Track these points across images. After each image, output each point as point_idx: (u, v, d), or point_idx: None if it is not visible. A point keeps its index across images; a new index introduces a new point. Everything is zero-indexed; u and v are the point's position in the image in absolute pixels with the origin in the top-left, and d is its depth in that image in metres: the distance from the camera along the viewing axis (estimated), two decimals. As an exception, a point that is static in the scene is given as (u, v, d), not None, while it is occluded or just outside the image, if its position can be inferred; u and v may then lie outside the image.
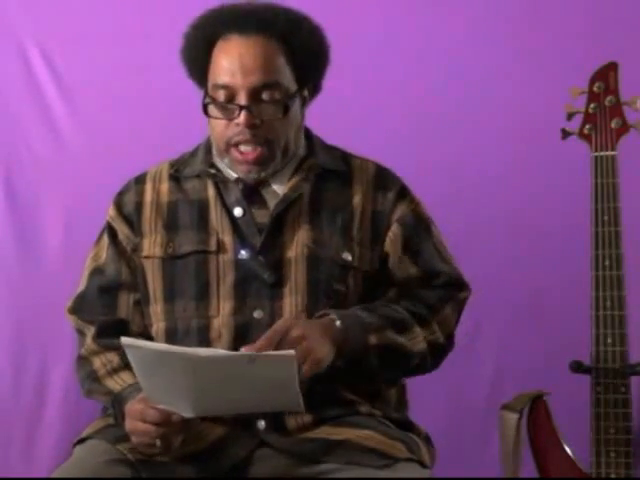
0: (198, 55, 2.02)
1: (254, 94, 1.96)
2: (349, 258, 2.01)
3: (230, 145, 1.99)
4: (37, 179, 2.91)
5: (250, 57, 1.96)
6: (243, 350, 1.78)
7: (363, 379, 1.98)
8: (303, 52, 2.01)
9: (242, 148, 1.99)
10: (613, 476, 2.15)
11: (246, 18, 1.99)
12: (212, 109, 1.99)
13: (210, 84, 2.00)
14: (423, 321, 2.00)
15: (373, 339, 1.93)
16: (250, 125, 1.96)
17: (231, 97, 1.97)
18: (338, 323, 1.90)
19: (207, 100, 1.99)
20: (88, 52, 2.90)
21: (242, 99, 1.96)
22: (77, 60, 2.91)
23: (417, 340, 1.99)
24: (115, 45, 2.90)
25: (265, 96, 1.97)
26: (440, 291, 2.05)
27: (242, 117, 1.96)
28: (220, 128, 1.99)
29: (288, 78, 1.99)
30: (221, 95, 1.98)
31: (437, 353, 2.04)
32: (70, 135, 2.92)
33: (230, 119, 1.97)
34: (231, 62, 1.96)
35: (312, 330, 1.85)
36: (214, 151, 2.07)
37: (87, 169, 2.89)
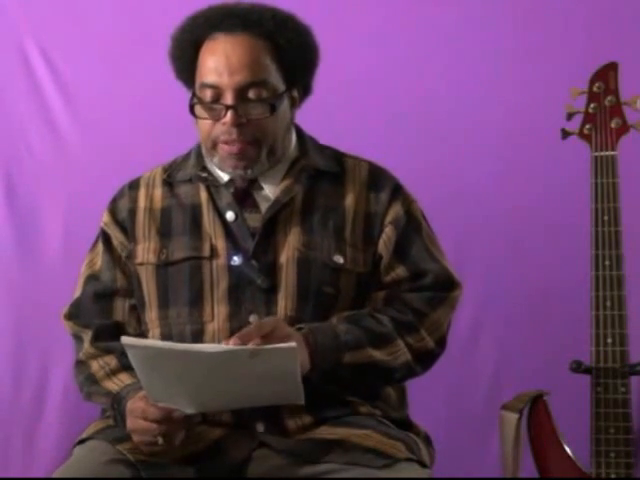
0: (185, 56, 2.02)
1: (240, 93, 1.96)
2: (341, 261, 2.01)
3: (216, 143, 1.99)
4: (37, 179, 2.91)
5: (236, 56, 1.96)
6: (231, 342, 1.77)
7: (340, 391, 1.97)
8: (290, 51, 2.00)
9: (229, 144, 1.98)
10: (613, 476, 2.15)
11: (232, 17, 1.99)
12: (199, 109, 1.99)
13: (197, 84, 2.00)
14: (410, 329, 1.99)
15: (347, 357, 1.92)
16: (236, 124, 1.96)
17: (218, 97, 1.97)
18: (310, 338, 1.90)
19: (194, 101, 1.99)
20: (88, 52, 2.90)
21: (228, 99, 1.96)
22: (77, 60, 2.91)
23: (399, 354, 1.97)
24: (115, 45, 2.90)
25: (252, 95, 1.96)
26: (429, 293, 2.03)
27: (228, 117, 1.96)
28: (207, 128, 1.99)
29: (275, 77, 1.99)
30: (208, 95, 1.98)
31: (426, 359, 2.03)
32: (70, 135, 2.92)
33: (216, 119, 1.97)
34: (217, 61, 1.96)
35: (294, 335, 1.86)
36: (204, 152, 2.07)
37: (87, 169, 2.89)
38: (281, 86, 2.00)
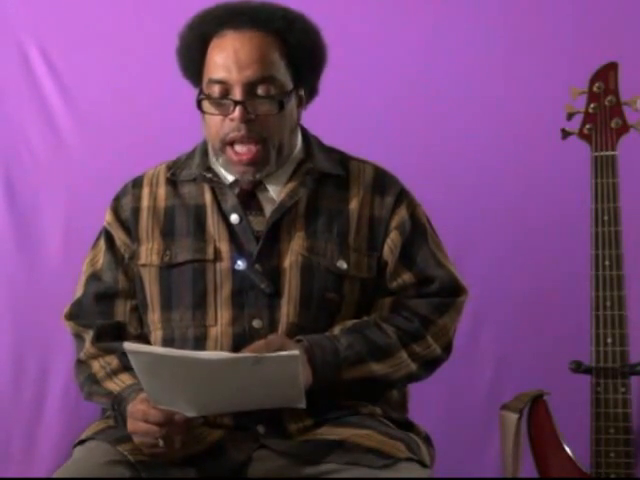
0: (193, 53, 2.01)
1: (249, 89, 1.95)
2: (344, 266, 2.00)
3: (225, 143, 1.98)
4: (37, 179, 2.91)
5: (245, 52, 1.95)
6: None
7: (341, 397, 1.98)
8: (298, 49, 2.00)
9: (237, 148, 1.97)
10: (613, 476, 2.15)
11: (241, 15, 1.98)
12: (206, 105, 1.98)
13: (205, 80, 1.99)
14: (417, 336, 1.99)
15: (347, 373, 1.93)
16: (245, 120, 1.95)
17: (226, 92, 1.96)
18: (312, 355, 1.90)
19: (201, 96, 1.99)
20: (88, 52, 2.90)
21: (237, 94, 1.95)
22: (77, 60, 2.91)
23: (401, 366, 1.98)
24: (115, 45, 2.90)
25: (260, 91, 1.96)
26: (435, 299, 2.02)
27: (237, 112, 1.95)
28: (215, 125, 1.98)
29: (284, 74, 1.98)
30: (216, 91, 1.97)
31: (432, 365, 2.03)
32: (70, 135, 2.92)
33: (225, 115, 1.96)
34: (226, 57, 1.96)
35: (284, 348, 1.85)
36: (210, 151, 2.06)
37: (87, 169, 2.89)
38: (289, 84, 1.99)
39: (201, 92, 2.00)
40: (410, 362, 1.98)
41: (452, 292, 2.05)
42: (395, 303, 2.03)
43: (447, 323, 2.03)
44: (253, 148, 1.97)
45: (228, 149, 1.98)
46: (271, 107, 1.96)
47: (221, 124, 1.97)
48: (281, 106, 1.96)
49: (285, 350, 1.81)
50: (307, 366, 1.88)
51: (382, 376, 1.96)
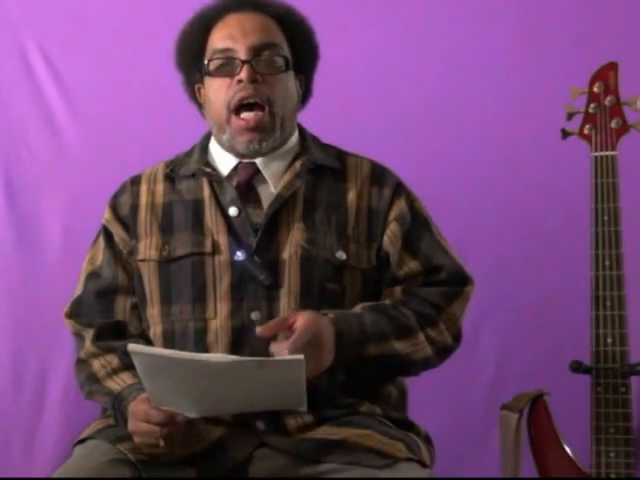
0: (195, 38, 2.05)
1: (255, 52, 1.99)
2: (343, 257, 2.00)
3: (231, 111, 2.00)
4: (37, 179, 2.91)
5: (249, 23, 2.02)
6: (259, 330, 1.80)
7: (358, 382, 1.97)
8: (297, 33, 2.06)
9: (243, 115, 1.99)
10: (613, 476, 2.15)
11: (243, 2, 2.04)
12: (214, 71, 2.01)
13: (208, 55, 2.02)
14: (431, 321, 2.00)
15: (371, 349, 1.93)
16: (252, 80, 1.98)
17: (232, 60, 2.00)
18: (337, 326, 1.89)
19: (210, 58, 2.01)
20: (88, 52, 2.90)
21: (243, 55, 1.98)
22: (77, 60, 2.91)
23: (420, 347, 1.98)
24: (115, 45, 2.90)
25: (265, 54, 2.00)
26: (444, 288, 2.04)
27: (244, 71, 1.98)
28: (221, 92, 2.00)
29: (286, 48, 2.03)
30: (221, 60, 2.01)
31: (444, 352, 2.04)
32: (70, 135, 2.92)
33: (231, 76, 1.98)
34: (230, 28, 2.01)
35: (327, 328, 1.86)
36: (209, 146, 2.08)
37: (87, 169, 2.89)
38: (291, 58, 2.03)
39: (203, 69, 2.03)
40: (427, 345, 1.99)
41: (459, 281, 2.06)
42: (406, 291, 2.03)
43: (456, 312, 2.04)
44: (259, 113, 1.99)
45: (234, 118, 2.00)
46: (277, 68, 2.00)
47: (227, 89, 2.00)
48: (286, 64, 2.00)
49: (321, 336, 1.81)
50: (331, 341, 1.87)
51: (403, 355, 1.96)
